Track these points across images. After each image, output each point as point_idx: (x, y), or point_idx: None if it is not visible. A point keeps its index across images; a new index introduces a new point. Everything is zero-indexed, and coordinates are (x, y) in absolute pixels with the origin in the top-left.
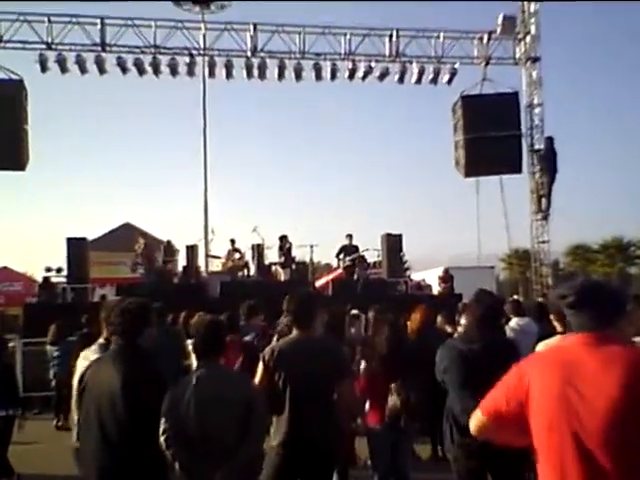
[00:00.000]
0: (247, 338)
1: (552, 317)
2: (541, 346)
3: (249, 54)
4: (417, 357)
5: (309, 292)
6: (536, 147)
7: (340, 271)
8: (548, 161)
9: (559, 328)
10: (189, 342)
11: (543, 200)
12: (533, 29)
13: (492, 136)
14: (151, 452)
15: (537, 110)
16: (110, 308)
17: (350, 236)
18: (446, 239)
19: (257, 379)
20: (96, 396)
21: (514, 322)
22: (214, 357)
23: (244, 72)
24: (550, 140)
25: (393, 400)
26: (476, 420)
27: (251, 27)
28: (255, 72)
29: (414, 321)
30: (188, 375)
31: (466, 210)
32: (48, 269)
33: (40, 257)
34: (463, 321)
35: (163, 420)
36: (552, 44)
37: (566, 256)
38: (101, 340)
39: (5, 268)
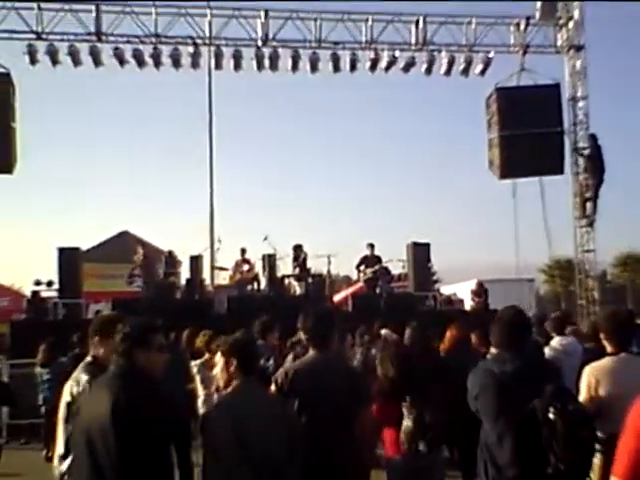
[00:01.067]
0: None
1: (601, 336)
2: (591, 369)
3: (259, 43)
4: (437, 375)
5: (327, 308)
6: (580, 145)
7: (361, 284)
8: (594, 160)
9: (609, 349)
10: (193, 363)
11: (588, 204)
12: (576, 14)
13: (531, 133)
14: None
15: (581, 104)
16: (99, 323)
17: (372, 245)
18: (479, 248)
19: None
20: (87, 424)
21: (556, 341)
22: (254, 376)
23: (254, 63)
24: (594, 137)
25: (405, 422)
26: None
27: (262, 13)
28: (266, 63)
29: (446, 340)
30: (232, 393)
31: (502, 216)
32: (37, 282)
33: (29, 269)
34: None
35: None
36: (597, 30)
37: (614, 267)
38: (88, 359)
39: None
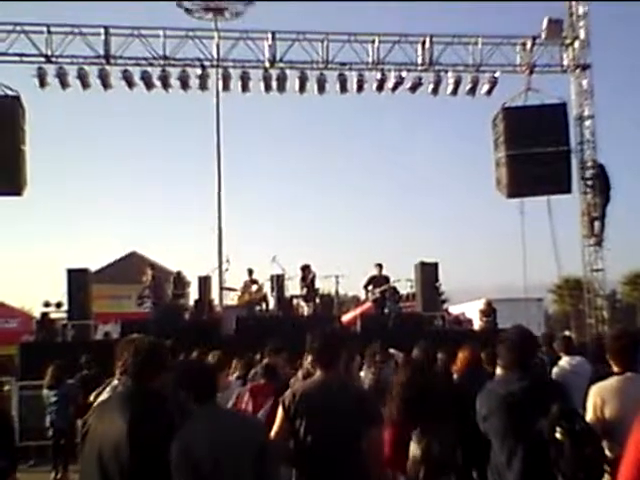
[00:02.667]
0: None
1: (608, 356)
2: (597, 389)
3: (267, 65)
4: (450, 402)
5: (334, 328)
6: (587, 164)
7: (369, 304)
8: (601, 179)
9: (615, 369)
10: None
11: (596, 223)
12: (582, 33)
13: (538, 152)
14: None
15: (588, 123)
16: (123, 345)
17: (380, 266)
18: (487, 268)
19: (276, 426)
20: (98, 444)
21: (564, 361)
22: (212, 399)
23: (261, 84)
24: (601, 167)
25: (413, 451)
26: None
27: (269, 35)
28: (274, 84)
29: (458, 361)
30: (192, 418)
31: (509, 235)
32: (47, 304)
33: (38, 290)
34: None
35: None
36: (603, 50)
37: (624, 285)
38: (115, 382)
39: (0, 303)
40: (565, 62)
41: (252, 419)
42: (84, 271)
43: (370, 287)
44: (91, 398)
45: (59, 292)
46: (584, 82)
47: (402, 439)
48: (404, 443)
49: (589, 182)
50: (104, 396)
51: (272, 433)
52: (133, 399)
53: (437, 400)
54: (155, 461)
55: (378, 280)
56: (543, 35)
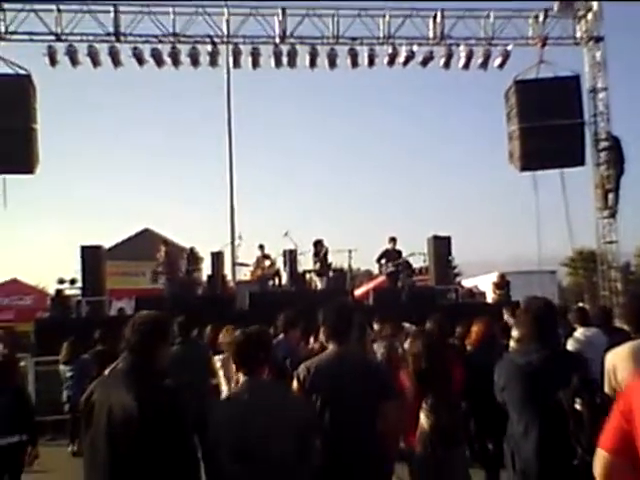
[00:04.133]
0: None
1: (623, 321)
2: (611, 355)
3: (277, 40)
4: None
5: (345, 302)
6: (601, 136)
7: (382, 278)
8: (615, 151)
9: (632, 334)
10: (217, 358)
11: (610, 195)
12: (595, 5)
13: (551, 125)
14: None
15: (601, 95)
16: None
17: (394, 239)
18: (501, 241)
19: None
20: (106, 419)
21: (579, 332)
22: (258, 372)
23: (272, 60)
24: (615, 139)
25: (422, 422)
26: (601, 460)
27: (279, 11)
28: (284, 60)
29: (472, 334)
30: (235, 390)
31: (523, 208)
32: (61, 281)
33: (52, 268)
34: (514, 333)
35: (212, 435)
36: (617, 21)
37: (637, 257)
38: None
39: (14, 280)
40: (578, 34)
41: (295, 394)
42: (98, 248)
43: (383, 261)
44: (106, 373)
45: (73, 269)
46: (597, 54)
47: (413, 410)
48: (415, 414)
49: (603, 154)
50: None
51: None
52: (138, 375)
53: (447, 373)
54: (163, 435)
55: (391, 254)
56: (555, 7)
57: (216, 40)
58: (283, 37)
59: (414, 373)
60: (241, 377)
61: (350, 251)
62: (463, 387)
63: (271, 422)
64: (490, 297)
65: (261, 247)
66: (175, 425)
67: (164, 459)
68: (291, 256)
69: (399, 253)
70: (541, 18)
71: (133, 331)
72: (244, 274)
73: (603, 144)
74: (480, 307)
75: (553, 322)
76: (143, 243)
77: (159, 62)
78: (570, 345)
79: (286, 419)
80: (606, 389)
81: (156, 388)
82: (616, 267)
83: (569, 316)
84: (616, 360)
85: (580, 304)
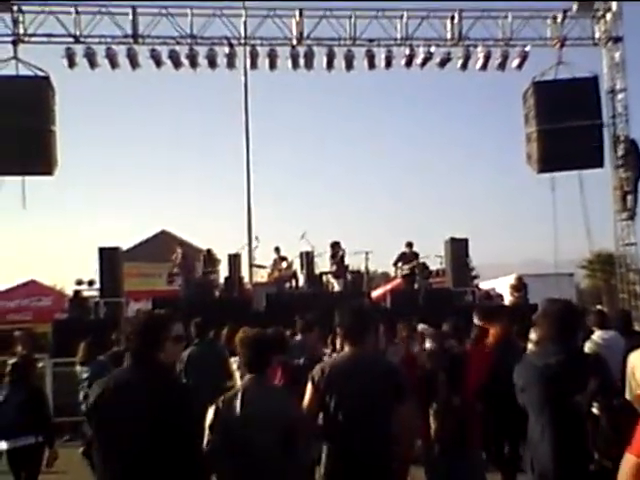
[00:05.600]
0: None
1: None
2: (630, 356)
3: (294, 42)
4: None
5: (362, 304)
6: (620, 138)
7: (399, 280)
8: (634, 153)
9: None
10: (233, 360)
11: (629, 197)
12: (614, 5)
13: (569, 126)
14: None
15: (620, 96)
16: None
17: (410, 244)
18: (518, 243)
19: (306, 402)
20: (115, 419)
21: (597, 336)
22: (261, 373)
23: (289, 62)
24: (634, 141)
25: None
26: (630, 466)
27: (296, 12)
28: (301, 62)
29: (491, 336)
30: (235, 389)
31: (541, 211)
32: (79, 282)
33: (70, 269)
34: (532, 336)
35: (209, 432)
36: (636, 22)
37: None
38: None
39: (33, 282)
40: (597, 35)
41: (284, 392)
42: (115, 250)
43: (400, 264)
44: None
45: (91, 270)
46: (616, 55)
47: (423, 412)
48: (425, 416)
49: (621, 156)
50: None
51: (302, 408)
52: (140, 373)
53: (459, 375)
54: (172, 433)
55: (408, 257)
56: (574, 8)
57: (233, 42)
58: (300, 39)
59: (425, 375)
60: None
61: (367, 253)
62: (480, 389)
63: (258, 422)
64: (507, 300)
65: (277, 250)
66: (184, 424)
67: (173, 458)
68: (308, 258)
69: (416, 256)
70: (560, 19)
71: (133, 331)
72: (261, 276)
73: (622, 146)
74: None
75: (573, 324)
76: (160, 245)
77: (177, 64)
78: (588, 348)
79: (272, 420)
80: (627, 391)
81: (165, 387)
82: (635, 270)
83: (587, 319)
84: (635, 361)
85: (598, 307)
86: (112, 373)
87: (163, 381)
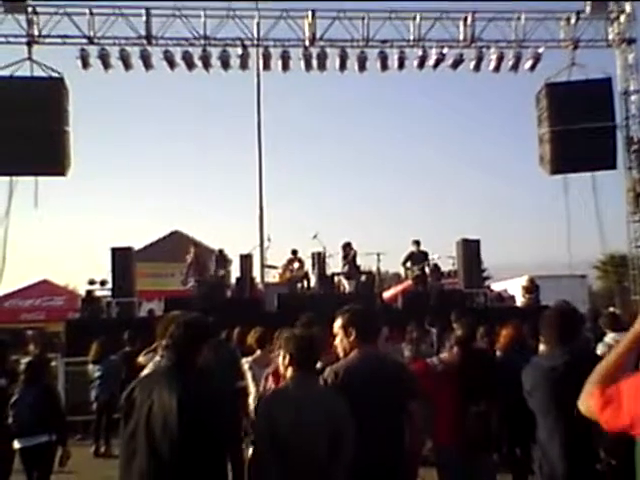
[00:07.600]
0: None
1: None
2: None
3: (307, 43)
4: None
5: (371, 304)
6: (633, 140)
7: (410, 281)
8: None
9: None
10: (245, 360)
11: None
12: (628, 7)
13: (582, 128)
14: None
15: (634, 97)
16: (167, 322)
17: (417, 242)
18: (531, 245)
19: None
20: (146, 419)
21: (610, 337)
22: (311, 371)
23: (302, 63)
24: None
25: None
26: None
27: (309, 14)
28: (314, 63)
29: (502, 338)
30: (285, 385)
31: (553, 212)
32: (91, 282)
33: (83, 269)
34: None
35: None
36: None
37: None
38: (157, 358)
39: (45, 281)
40: (610, 36)
41: (331, 391)
42: (128, 249)
43: (409, 264)
44: (147, 371)
45: (104, 270)
46: (630, 56)
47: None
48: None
49: (635, 157)
50: (146, 371)
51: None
52: (180, 374)
53: (474, 377)
54: (204, 436)
55: (417, 256)
56: (588, 9)
57: (246, 43)
58: (313, 40)
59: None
60: (289, 371)
61: (379, 254)
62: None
63: (309, 420)
64: (519, 301)
65: (294, 252)
66: (212, 429)
67: (201, 461)
68: (320, 258)
69: (425, 255)
70: (573, 20)
71: (178, 329)
72: (273, 276)
73: (635, 147)
74: (509, 311)
75: (572, 326)
76: (172, 245)
77: (190, 65)
78: (600, 350)
79: (323, 419)
80: None
81: (198, 390)
82: None
83: (600, 321)
84: None
85: (611, 309)
86: (155, 371)
87: (200, 385)
